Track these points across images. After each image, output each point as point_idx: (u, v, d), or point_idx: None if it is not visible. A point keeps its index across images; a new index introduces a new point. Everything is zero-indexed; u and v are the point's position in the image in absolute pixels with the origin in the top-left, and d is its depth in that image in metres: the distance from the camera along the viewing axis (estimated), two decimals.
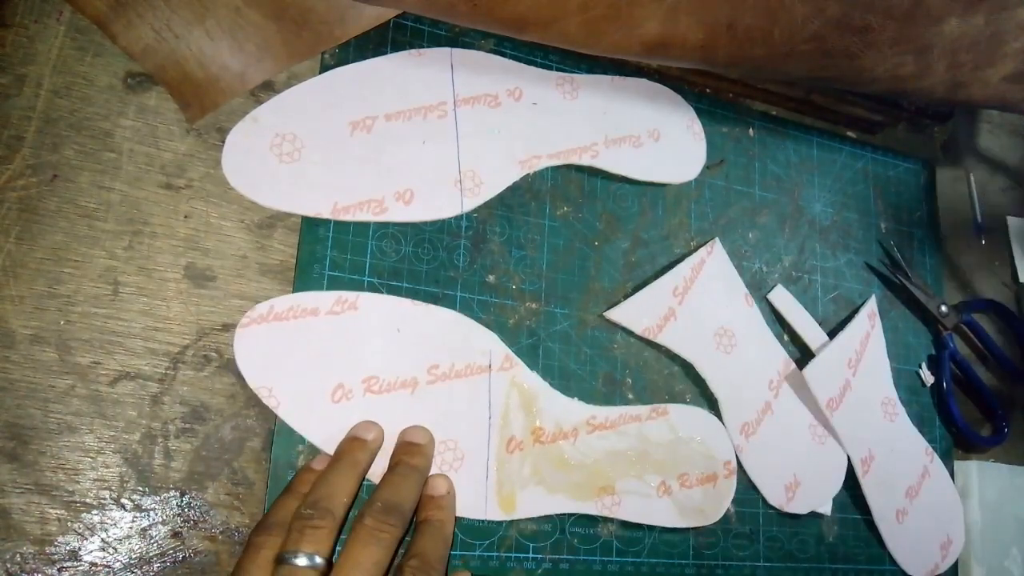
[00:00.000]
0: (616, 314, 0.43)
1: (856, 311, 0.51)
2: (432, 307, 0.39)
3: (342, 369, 0.36)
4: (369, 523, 0.32)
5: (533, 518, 0.39)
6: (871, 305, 0.51)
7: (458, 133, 0.41)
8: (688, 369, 0.45)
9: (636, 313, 0.43)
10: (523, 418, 0.39)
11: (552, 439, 0.40)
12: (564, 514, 0.40)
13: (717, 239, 0.47)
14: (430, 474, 0.37)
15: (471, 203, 0.41)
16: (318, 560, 0.31)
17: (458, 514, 0.37)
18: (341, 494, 0.33)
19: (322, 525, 0.31)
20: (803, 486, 0.45)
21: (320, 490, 0.33)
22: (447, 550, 0.35)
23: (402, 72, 0.41)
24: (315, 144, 0.38)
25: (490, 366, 0.39)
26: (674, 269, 0.45)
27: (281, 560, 0.31)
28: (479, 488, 0.37)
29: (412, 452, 0.36)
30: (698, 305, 0.45)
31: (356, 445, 0.35)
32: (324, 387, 0.36)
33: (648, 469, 0.41)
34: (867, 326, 0.50)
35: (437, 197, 0.40)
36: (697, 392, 0.45)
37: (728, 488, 0.43)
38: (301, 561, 0.30)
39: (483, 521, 0.38)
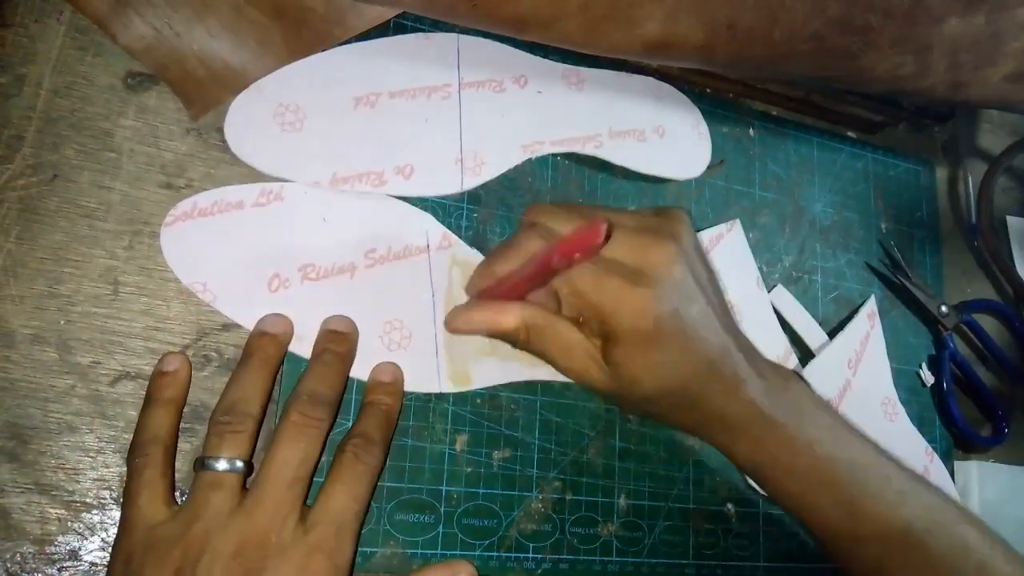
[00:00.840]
0: None
1: (856, 311, 0.51)
2: (361, 193, 0.38)
3: (276, 259, 0.36)
4: (295, 418, 0.31)
5: (535, 522, 0.39)
6: (871, 305, 0.51)
7: (461, 114, 0.41)
8: None
9: None
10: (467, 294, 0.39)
11: None
12: (567, 510, 0.40)
13: (738, 220, 0.47)
14: (380, 362, 0.36)
15: (472, 181, 0.41)
16: (239, 464, 0.30)
17: (412, 390, 0.37)
18: (256, 394, 0.32)
19: (241, 429, 0.31)
20: None
21: (234, 393, 0.32)
22: (390, 432, 0.35)
23: (408, 53, 0.41)
24: (318, 115, 0.38)
25: (428, 246, 0.39)
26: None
27: (201, 465, 0.30)
28: (429, 363, 0.38)
29: (335, 340, 0.35)
30: None
31: (266, 341, 0.34)
32: (260, 278, 0.36)
33: None
34: (867, 326, 0.50)
35: (438, 173, 0.40)
36: None
37: None
38: (222, 466, 0.30)
39: (438, 394, 0.38)
